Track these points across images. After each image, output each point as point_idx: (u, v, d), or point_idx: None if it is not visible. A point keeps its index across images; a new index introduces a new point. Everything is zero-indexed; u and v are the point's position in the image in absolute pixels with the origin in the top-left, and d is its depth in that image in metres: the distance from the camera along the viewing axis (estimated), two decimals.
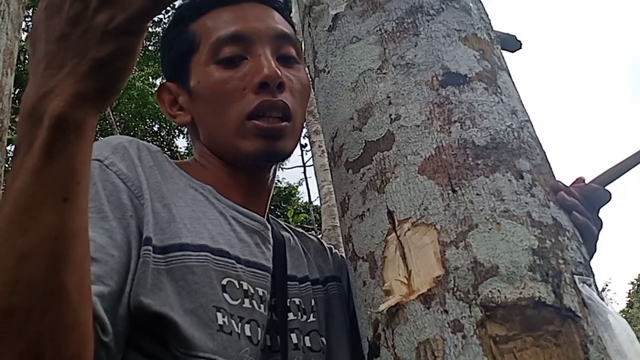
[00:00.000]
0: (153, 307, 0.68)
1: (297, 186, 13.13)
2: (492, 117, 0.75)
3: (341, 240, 0.87)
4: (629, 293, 25.42)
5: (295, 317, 0.83)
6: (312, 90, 0.96)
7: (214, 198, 0.84)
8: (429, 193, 0.70)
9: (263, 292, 0.79)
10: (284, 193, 12.54)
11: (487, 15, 0.90)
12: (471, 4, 0.87)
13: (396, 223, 0.71)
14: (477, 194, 0.68)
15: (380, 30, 0.84)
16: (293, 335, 0.81)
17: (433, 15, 0.84)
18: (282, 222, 0.99)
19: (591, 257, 0.71)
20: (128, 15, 0.53)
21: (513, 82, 0.84)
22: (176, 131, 12.42)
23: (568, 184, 0.77)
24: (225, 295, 0.74)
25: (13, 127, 4.95)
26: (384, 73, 0.81)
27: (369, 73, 0.83)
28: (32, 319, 0.51)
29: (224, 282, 0.75)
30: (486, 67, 0.80)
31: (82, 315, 0.56)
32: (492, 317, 0.60)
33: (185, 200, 0.80)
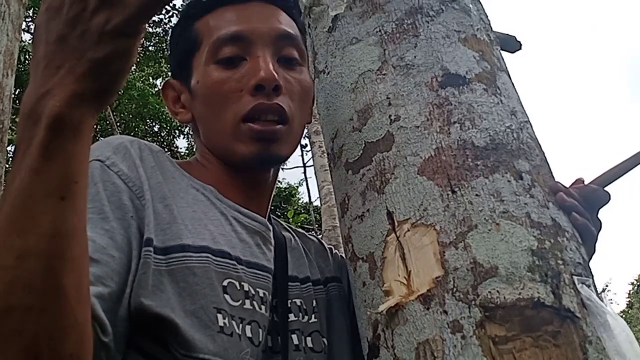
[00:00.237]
0: (154, 308, 0.68)
1: (297, 186, 13.14)
2: (491, 118, 0.75)
3: (341, 241, 0.87)
4: (629, 294, 25.39)
5: (296, 318, 0.83)
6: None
7: (215, 198, 0.84)
8: (429, 194, 0.70)
9: (264, 293, 0.79)
10: (284, 193, 12.54)
11: (487, 16, 0.90)
12: (471, 5, 0.88)
13: (396, 224, 0.71)
14: (477, 195, 0.68)
15: (380, 31, 0.85)
16: (294, 336, 0.81)
17: (433, 17, 0.84)
18: (283, 222, 0.98)
19: (590, 258, 0.71)
20: (125, 17, 0.53)
21: (512, 83, 0.84)
22: (177, 131, 12.41)
23: (567, 185, 0.77)
24: (226, 297, 0.74)
25: (14, 127, 4.96)
26: (384, 74, 0.81)
27: (369, 74, 0.83)
28: (30, 319, 0.51)
29: (225, 283, 0.75)
30: (486, 68, 0.80)
31: (81, 315, 0.56)
32: (492, 317, 0.60)
33: (186, 201, 0.80)
